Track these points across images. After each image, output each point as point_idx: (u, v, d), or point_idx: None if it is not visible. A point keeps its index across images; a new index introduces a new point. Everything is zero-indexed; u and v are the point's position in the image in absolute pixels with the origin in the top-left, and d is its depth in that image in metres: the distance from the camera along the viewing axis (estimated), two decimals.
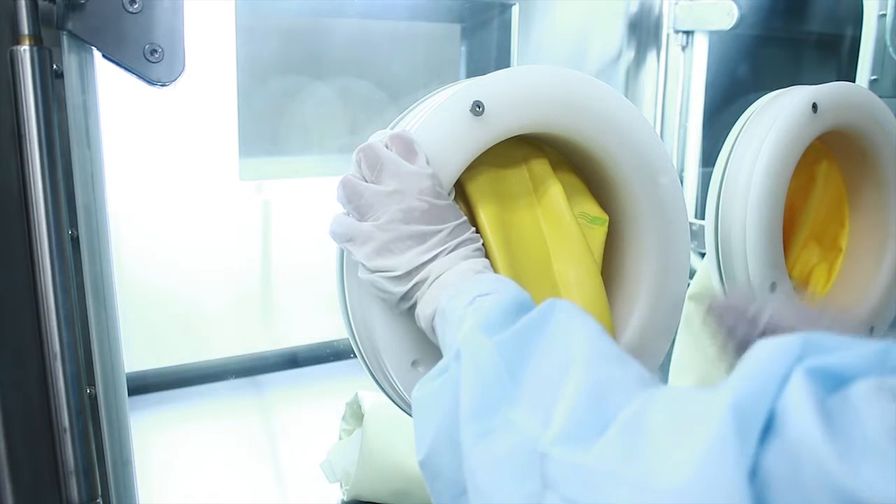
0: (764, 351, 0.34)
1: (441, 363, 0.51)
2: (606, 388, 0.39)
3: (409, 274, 0.57)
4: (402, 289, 0.57)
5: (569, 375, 0.42)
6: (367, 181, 0.59)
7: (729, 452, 0.30)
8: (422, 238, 0.57)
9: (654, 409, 0.37)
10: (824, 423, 0.29)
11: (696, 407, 0.34)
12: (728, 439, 0.31)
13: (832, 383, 0.31)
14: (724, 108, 1.54)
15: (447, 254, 0.57)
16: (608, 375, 0.40)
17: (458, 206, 0.61)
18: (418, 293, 0.57)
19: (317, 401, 1.33)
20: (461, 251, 0.58)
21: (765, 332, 0.64)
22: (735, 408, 0.31)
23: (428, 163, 0.60)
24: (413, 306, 0.58)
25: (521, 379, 0.45)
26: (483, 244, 0.61)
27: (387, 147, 0.60)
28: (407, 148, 0.60)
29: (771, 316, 0.64)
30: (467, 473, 0.44)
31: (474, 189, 0.69)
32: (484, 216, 0.67)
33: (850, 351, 0.33)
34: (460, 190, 0.68)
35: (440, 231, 0.57)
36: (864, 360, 0.32)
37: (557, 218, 0.72)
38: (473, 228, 0.61)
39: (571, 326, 0.47)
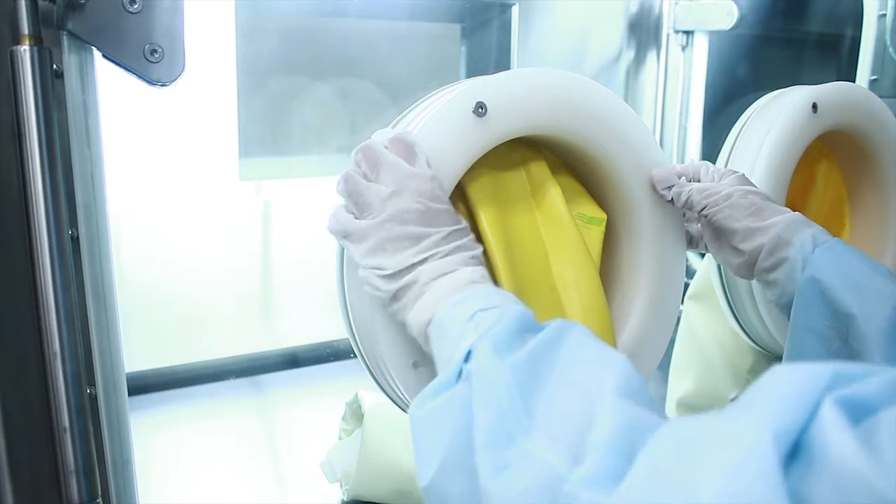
0: (792, 381, 0.34)
1: (440, 380, 0.48)
2: (636, 429, 0.39)
3: (399, 273, 0.56)
4: (391, 286, 0.57)
5: (595, 411, 0.41)
6: (367, 179, 0.59)
7: (771, 477, 0.31)
8: (415, 239, 0.56)
9: (682, 439, 0.36)
10: (865, 447, 0.30)
11: (729, 434, 0.34)
12: (770, 465, 0.31)
13: (860, 412, 0.32)
14: (724, 108, 1.54)
15: (440, 258, 0.56)
16: (637, 417, 0.39)
17: (456, 212, 0.60)
18: (408, 295, 0.56)
19: (317, 401, 1.33)
20: (456, 257, 0.57)
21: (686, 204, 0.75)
22: (776, 436, 0.32)
23: (429, 165, 0.60)
24: (403, 310, 0.57)
25: (537, 407, 0.43)
26: (483, 251, 0.60)
27: (386, 148, 0.60)
28: (407, 150, 0.60)
29: (691, 192, 0.74)
30: None
31: (474, 191, 0.69)
32: (484, 218, 0.67)
33: (875, 379, 0.33)
34: (461, 192, 0.68)
35: (434, 234, 0.57)
36: (887, 387, 0.33)
37: (556, 220, 0.72)
38: (473, 235, 0.60)
39: (587, 355, 0.46)
